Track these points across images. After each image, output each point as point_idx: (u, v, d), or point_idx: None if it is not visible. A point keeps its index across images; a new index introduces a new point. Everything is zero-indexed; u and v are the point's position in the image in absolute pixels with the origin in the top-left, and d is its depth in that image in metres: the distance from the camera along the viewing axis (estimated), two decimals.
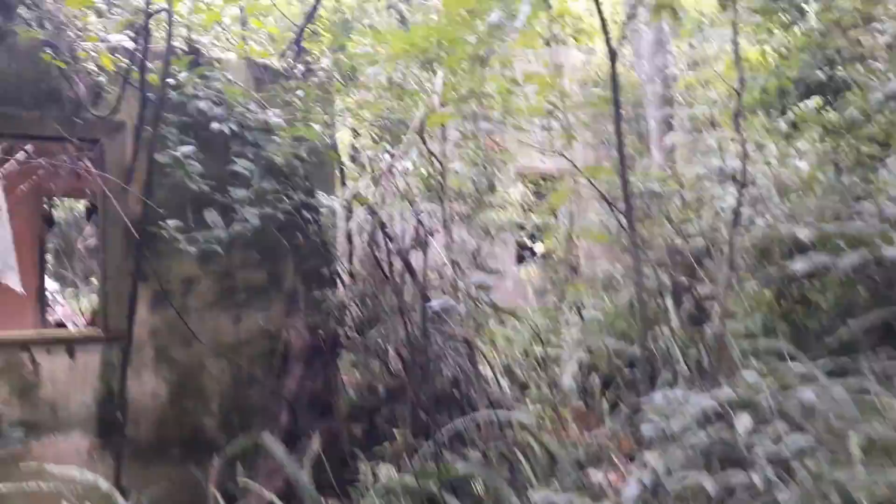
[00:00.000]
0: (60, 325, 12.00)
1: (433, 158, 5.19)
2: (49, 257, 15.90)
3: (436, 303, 4.56)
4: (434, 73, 4.72)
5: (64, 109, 4.91)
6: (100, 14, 5.59)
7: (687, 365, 5.40)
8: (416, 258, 5.25)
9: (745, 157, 4.65)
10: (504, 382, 7.05)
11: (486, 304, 4.25)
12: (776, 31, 7.97)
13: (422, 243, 4.67)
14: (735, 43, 4.39)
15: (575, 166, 4.70)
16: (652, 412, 3.14)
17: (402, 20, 6.13)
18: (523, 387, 7.81)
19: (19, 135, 5.10)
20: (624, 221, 6.05)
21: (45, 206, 10.76)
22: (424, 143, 5.01)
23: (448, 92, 4.36)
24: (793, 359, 5.36)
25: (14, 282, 8.30)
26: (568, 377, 7.31)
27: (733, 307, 6.50)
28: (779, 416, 3.62)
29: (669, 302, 6.52)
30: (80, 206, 14.11)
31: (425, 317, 4.53)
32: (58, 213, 14.52)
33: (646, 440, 3.22)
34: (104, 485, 4.03)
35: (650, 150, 8.01)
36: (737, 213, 4.83)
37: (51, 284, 14.06)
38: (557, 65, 4.00)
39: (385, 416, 5.88)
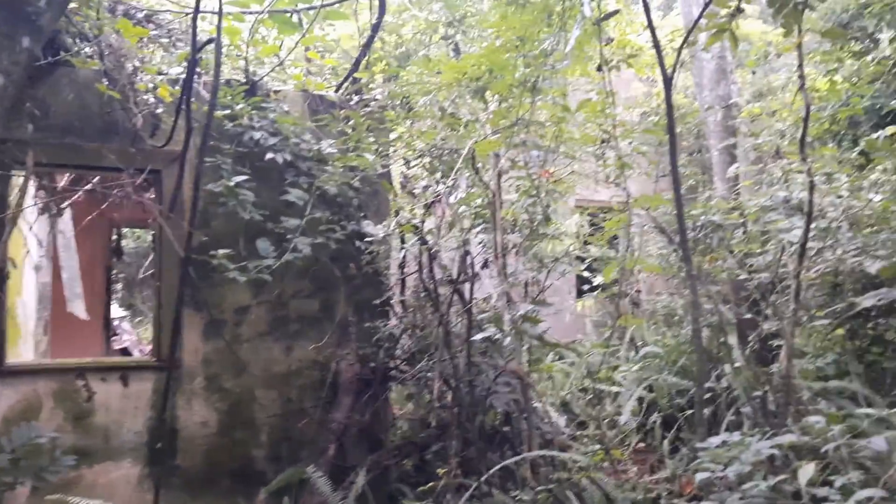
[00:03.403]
0: (126, 352, 12.32)
1: (486, 188, 5.11)
2: (118, 286, 16.42)
3: (478, 335, 4.44)
4: (486, 102, 4.67)
5: (123, 140, 5.03)
6: (166, 49, 5.77)
7: (752, 406, 5.10)
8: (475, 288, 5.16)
9: (811, 187, 4.41)
10: (561, 419, 6.84)
11: (533, 336, 4.10)
12: (847, 59, 7.69)
13: (470, 274, 4.56)
14: (800, 68, 4.19)
15: (628, 196, 4.54)
16: (708, 458, 2.93)
17: (457, 51, 6.13)
18: (581, 424, 7.58)
19: (82, 165, 5.24)
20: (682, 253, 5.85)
21: (113, 236, 11.11)
22: (476, 172, 4.93)
23: (497, 119, 4.29)
24: (868, 402, 5.04)
25: (80, 309, 8.59)
26: (627, 415, 7.06)
27: (803, 345, 6.17)
28: (852, 465, 3.36)
29: (733, 339, 6.23)
30: (149, 235, 14.56)
31: (470, 350, 4.40)
32: (126, 243, 15.00)
33: (702, 487, 3.01)
34: None
35: (713, 181, 7.76)
36: (803, 246, 4.58)
37: (118, 312, 14.48)
38: (611, 92, 3.88)
39: (436, 451, 5.75)
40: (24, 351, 7.07)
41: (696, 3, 7.31)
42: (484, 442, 5.17)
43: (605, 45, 3.90)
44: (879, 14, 7.31)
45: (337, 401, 5.56)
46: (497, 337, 4.26)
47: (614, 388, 7.71)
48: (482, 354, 5.48)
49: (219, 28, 4.14)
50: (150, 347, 12.96)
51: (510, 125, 4.25)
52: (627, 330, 8.66)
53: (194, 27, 4.23)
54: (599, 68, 3.75)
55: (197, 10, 4.23)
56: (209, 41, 4.48)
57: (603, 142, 4.70)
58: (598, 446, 6.52)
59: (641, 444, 7.18)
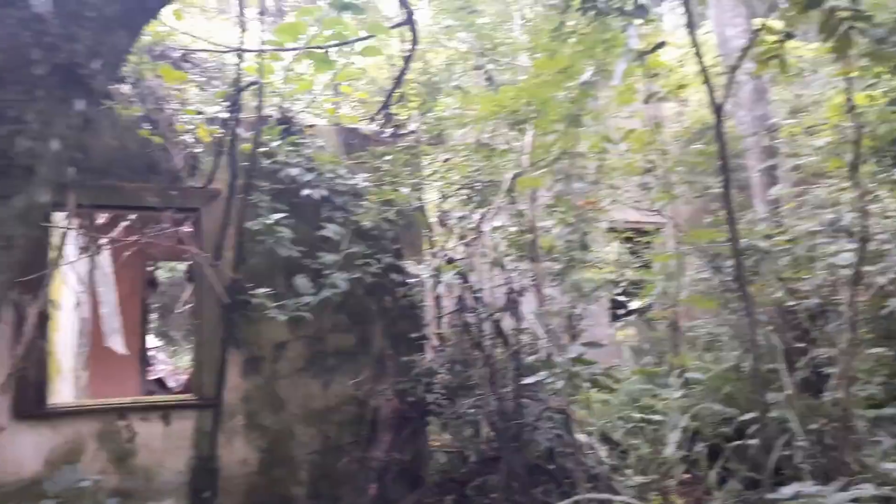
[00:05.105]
0: (161, 382, 12.37)
1: (523, 218, 5.04)
2: (153, 316, 16.54)
3: (529, 378, 4.34)
4: (523, 133, 4.61)
5: (163, 180, 5.05)
6: (201, 88, 5.80)
7: (808, 439, 4.92)
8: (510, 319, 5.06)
9: (865, 210, 4.27)
10: (602, 451, 6.67)
11: (586, 378, 3.99)
12: (885, 74, 7.51)
13: (512, 307, 4.47)
14: (848, 91, 4.08)
15: (678, 227, 4.43)
16: None
17: (490, 80, 6.09)
18: (623, 454, 7.39)
19: (122, 206, 5.27)
20: (729, 280, 5.71)
21: (148, 268, 11.20)
22: (514, 203, 4.87)
23: (539, 153, 4.23)
24: None
25: (118, 344, 8.64)
26: (672, 446, 6.86)
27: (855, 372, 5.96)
28: None
29: (782, 366, 6.04)
30: (182, 265, 14.65)
31: (518, 390, 4.30)
32: (161, 273, 15.11)
33: None
34: None
35: (753, 204, 7.60)
36: (858, 272, 4.43)
37: (154, 343, 14.58)
38: (656, 121, 3.81)
39: (477, 486, 5.64)
40: (62, 387, 7.10)
41: (731, 24, 7.21)
42: (529, 478, 5.05)
43: (652, 77, 3.84)
44: None
45: (376, 437, 5.48)
46: (550, 381, 4.16)
47: (656, 417, 7.53)
48: (524, 389, 5.37)
49: (261, 69, 4.14)
50: (185, 377, 13.03)
51: (552, 159, 4.18)
52: (666, 355, 8.47)
53: (238, 68, 4.24)
54: (647, 101, 3.68)
55: (240, 50, 4.24)
56: (252, 83, 4.48)
57: (647, 171, 4.61)
58: (641, 478, 6.36)
59: (687, 475, 6.98)
